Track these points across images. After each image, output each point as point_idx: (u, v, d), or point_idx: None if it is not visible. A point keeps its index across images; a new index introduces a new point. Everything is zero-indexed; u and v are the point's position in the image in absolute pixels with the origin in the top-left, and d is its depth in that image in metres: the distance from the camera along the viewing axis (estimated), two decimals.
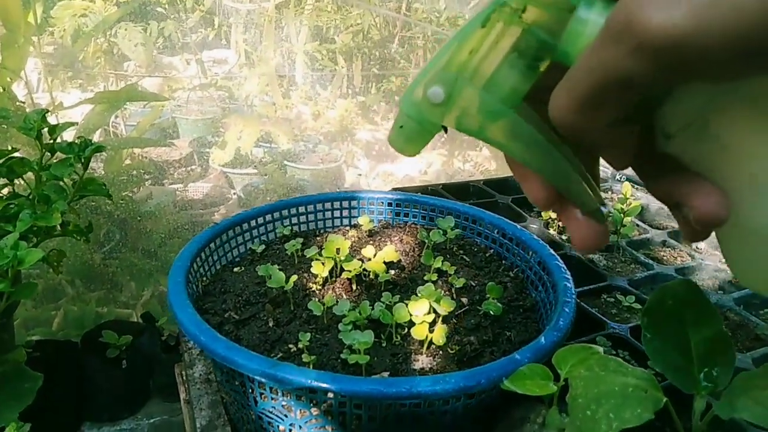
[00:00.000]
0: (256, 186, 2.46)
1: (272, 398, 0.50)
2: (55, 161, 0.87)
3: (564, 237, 0.93)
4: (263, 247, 0.72)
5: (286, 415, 0.51)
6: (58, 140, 0.85)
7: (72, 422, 0.98)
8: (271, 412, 0.51)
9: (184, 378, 0.79)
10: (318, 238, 0.76)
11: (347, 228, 0.80)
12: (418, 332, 0.53)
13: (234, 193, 2.46)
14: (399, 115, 0.29)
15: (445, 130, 0.29)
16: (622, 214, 0.89)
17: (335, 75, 3.09)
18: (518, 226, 0.73)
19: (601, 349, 0.48)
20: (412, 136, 0.28)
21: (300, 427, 0.51)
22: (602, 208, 0.29)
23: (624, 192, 0.91)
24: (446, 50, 0.27)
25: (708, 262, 0.88)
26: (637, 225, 0.99)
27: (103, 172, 1.78)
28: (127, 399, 1.01)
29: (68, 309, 1.44)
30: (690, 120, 0.24)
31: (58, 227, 0.87)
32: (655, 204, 1.08)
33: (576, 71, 0.23)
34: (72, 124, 0.88)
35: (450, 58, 0.26)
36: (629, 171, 1.05)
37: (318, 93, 3.15)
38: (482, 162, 2.57)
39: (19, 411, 0.79)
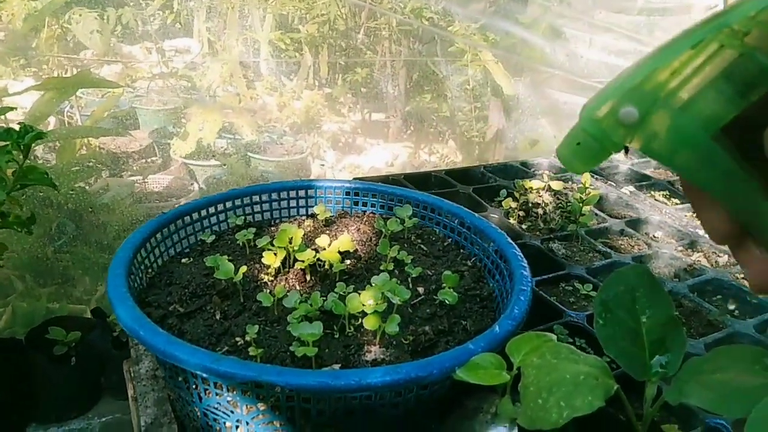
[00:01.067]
0: (219, 178, 2.40)
1: (217, 394, 0.47)
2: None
3: (524, 227, 0.93)
4: (214, 237, 0.69)
5: (232, 411, 0.48)
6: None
7: (16, 423, 0.93)
8: (216, 409, 0.49)
9: (132, 375, 0.75)
10: (272, 228, 0.74)
11: (303, 218, 0.78)
12: (371, 322, 0.52)
13: (196, 185, 2.40)
14: (576, 130, 0.27)
15: (626, 151, 0.27)
16: (581, 204, 0.90)
17: (301, 65, 3.04)
18: (477, 215, 0.72)
19: (554, 337, 0.47)
20: (588, 154, 0.26)
21: (247, 423, 0.48)
22: None
23: (583, 181, 0.92)
24: (643, 68, 0.25)
25: (664, 250, 0.89)
26: (596, 214, 0.99)
27: (55, 162, 1.70)
28: (76, 398, 0.97)
29: (17, 305, 1.37)
30: None
31: None
32: (613, 194, 1.09)
33: None
34: (11, 108, 0.83)
35: (648, 77, 0.25)
36: None
37: (283, 83, 3.10)
38: (448, 154, 2.57)
39: None
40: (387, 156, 2.67)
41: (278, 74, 3.13)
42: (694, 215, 0.25)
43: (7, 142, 0.78)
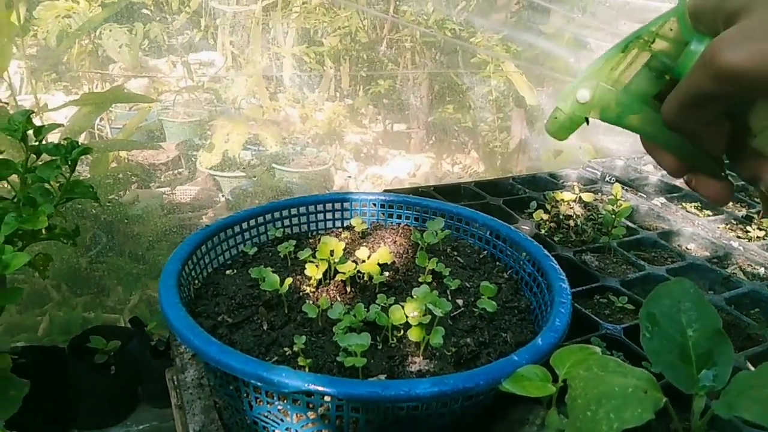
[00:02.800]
0: (244, 189, 2.44)
1: (268, 402, 0.49)
2: (40, 163, 0.86)
3: (555, 239, 0.93)
4: (255, 249, 0.71)
5: (282, 420, 0.50)
6: (43, 142, 0.84)
7: (59, 430, 0.96)
8: (266, 417, 0.50)
9: (176, 383, 0.77)
10: (311, 240, 0.75)
11: (339, 230, 0.79)
12: (415, 334, 0.53)
13: (222, 196, 2.44)
14: (555, 109, 0.40)
15: (587, 122, 0.40)
16: (613, 216, 0.90)
17: (323, 77, 3.08)
18: (512, 228, 0.73)
19: (599, 350, 0.48)
20: (563, 126, 0.39)
21: (296, 431, 0.50)
22: (723, 169, 0.37)
23: (614, 193, 0.92)
24: (592, 66, 0.38)
25: (698, 262, 0.89)
26: (628, 226, 0.99)
27: (88, 175, 1.75)
28: (115, 406, 0.99)
29: (54, 314, 1.41)
30: (766, 125, 0.33)
31: (44, 231, 0.85)
32: (644, 205, 1.08)
33: (681, 86, 0.33)
34: (58, 125, 0.86)
35: (594, 71, 0.38)
36: (618, 173, 1.03)
37: (306, 95, 3.14)
38: (470, 164, 2.58)
39: (5, 419, 0.77)
40: (409, 167, 2.69)
41: (300, 86, 3.17)
42: (654, 161, 0.40)
43: (56, 157, 0.81)
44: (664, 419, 0.53)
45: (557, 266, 0.63)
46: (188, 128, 2.94)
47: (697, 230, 1.00)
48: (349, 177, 2.61)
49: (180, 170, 2.72)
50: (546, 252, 0.67)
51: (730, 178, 0.38)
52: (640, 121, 0.37)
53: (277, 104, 3.07)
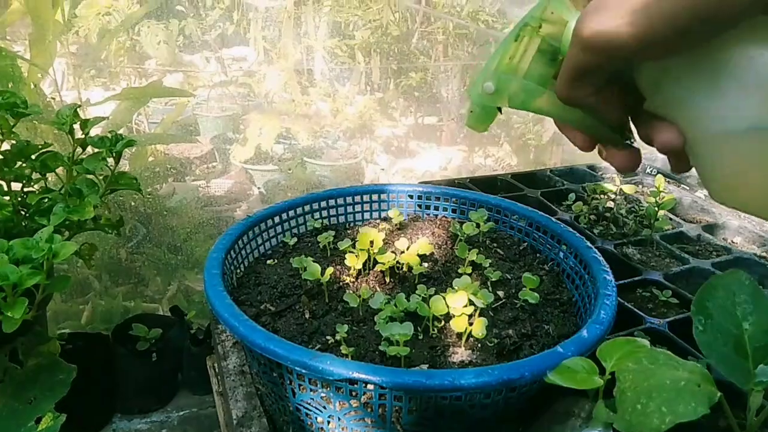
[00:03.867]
0: (277, 182, 2.46)
1: (311, 390, 0.49)
2: (85, 156, 0.88)
3: (595, 231, 0.92)
4: (295, 239, 0.72)
5: (324, 407, 0.50)
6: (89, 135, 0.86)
7: (104, 414, 0.99)
8: (309, 404, 0.51)
9: (217, 370, 0.79)
10: (348, 231, 0.76)
11: (377, 221, 0.79)
12: (458, 324, 0.53)
13: (255, 189, 2.47)
14: (469, 104, 0.41)
15: (500, 111, 0.41)
16: (655, 208, 0.88)
17: (353, 71, 3.09)
18: (552, 219, 0.72)
19: (647, 343, 0.47)
20: (480, 118, 0.41)
21: (339, 419, 0.50)
22: (629, 139, 0.39)
23: (657, 185, 0.90)
24: (492, 58, 0.39)
25: (746, 256, 0.86)
26: (670, 219, 0.97)
27: (128, 169, 1.79)
28: (157, 391, 1.02)
29: (96, 303, 1.46)
30: (652, 84, 0.34)
31: (90, 221, 0.88)
32: (687, 198, 1.05)
33: (564, 63, 0.35)
34: (103, 118, 0.88)
35: (495, 63, 0.39)
36: (660, 164, 1.01)
37: (336, 89, 3.14)
38: (503, 157, 2.54)
39: (54, 402, 0.80)
40: (440, 159, 2.67)
41: (332, 80, 3.18)
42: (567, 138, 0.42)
43: (102, 149, 0.83)
44: (713, 415, 0.52)
45: (601, 258, 0.62)
46: (222, 122, 2.98)
47: (743, 223, 0.96)
48: (382, 170, 2.61)
49: (214, 164, 2.76)
50: (588, 244, 0.65)
51: (635, 145, 0.39)
52: (545, 103, 0.39)
53: (309, 98, 3.09)
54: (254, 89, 3.08)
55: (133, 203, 1.67)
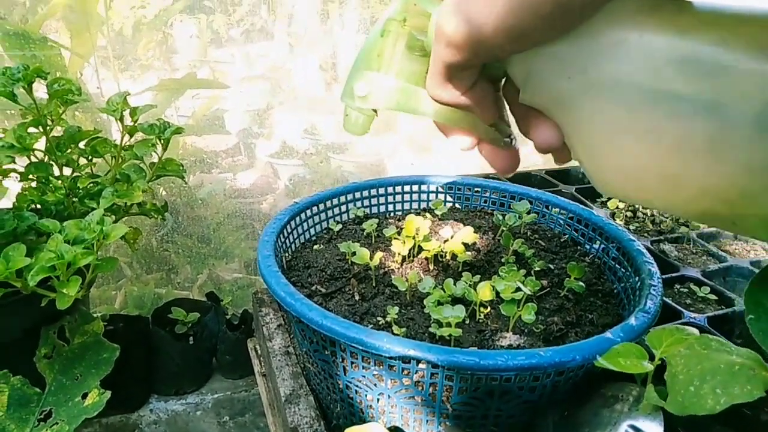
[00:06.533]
0: (302, 177, 2.49)
1: (363, 367, 0.51)
2: (133, 142, 0.91)
3: (631, 227, 0.92)
4: (340, 226, 0.74)
5: (375, 384, 0.52)
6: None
7: (142, 394, 1.02)
8: (360, 382, 0.53)
9: (259, 352, 0.81)
10: (391, 220, 0.77)
11: (417, 211, 0.81)
12: (507, 309, 0.54)
13: (281, 183, 2.50)
14: (344, 108, 0.39)
15: (376, 112, 0.39)
16: None
17: None
18: (594, 212, 0.72)
19: (696, 331, 0.48)
20: (356, 122, 0.39)
21: (389, 396, 0.52)
22: (509, 139, 0.38)
23: None
24: (360, 55, 0.36)
25: None
26: None
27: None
28: (193, 374, 1.05)
29: (129, 289, 1.49)
30: (525, 77, 0.32)
31: (136, 206, 0.91)
32: None
33: (431, 60, 0.32)
34: (152, 106, 0.91)
35: (364, 61, 0.36)
36: None
37: None
38: (530, 154, 2.54)
39: (99, 379, 0.82)
40: (463, 156, 2.68)
41: None
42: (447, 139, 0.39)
43: (151, 136, 0.86)
44: (755, 411, 0.52)
45: (644, 250, 0.63)
46: (248, 117, 3.01)
47: None
48: (411, 164, 2.63)
49: (240, 157, 2.80)
50: (631, 236, 0.66)
51: (515, 144, 0.37)
52: (420, 102, 0.36)
53: (332, 94, 3.11)
54: (280, 84, 3.11)
55: (164, 192, 1.70)
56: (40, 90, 0.83)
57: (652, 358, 0.47)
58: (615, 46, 0.28)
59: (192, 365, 1.03)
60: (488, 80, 0.34)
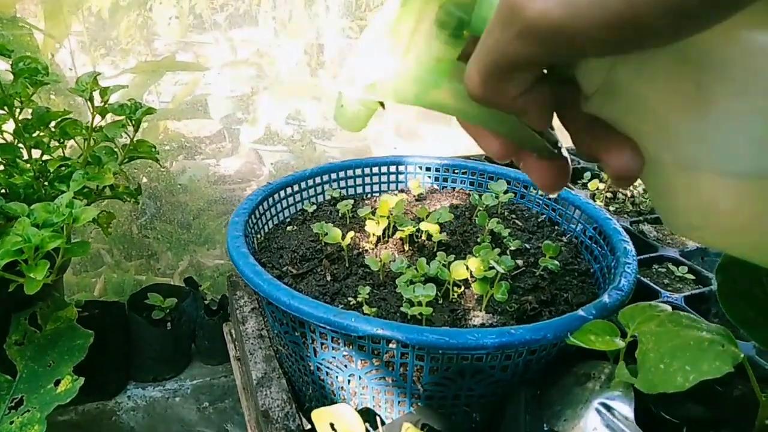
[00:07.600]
0: (287, 162, 2.47)
1: (333, 348, 0.50)
2: (104, 124, 0.88)
3: (611, 208, 0.92)
4: (314, 207, 0.72)
5: (345, 365, 0.51)
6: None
7: (120, 381, 1.00)
8: (330, 363, 0.52)
9: (234, 336, 0.80)
10: (367, 201, 0.76)
11: (395, 192, 0.80)
12: (479, 288, 0.53)
13: (265, 169, 2.48)
14: (341, 96, 0.30)
15: (383, 106, 0.30)
16: None
17: None
18: (571, 191, 0.72)
19: (668, 308, 0.47)
20: (354, 115, 0.30)
21: (360, 377, 0.51)
22: (557, 146, 0.28)
23: None
24: (371, 32, 0.28)
25: None
26: None
27: None
28: (171, 360, 1.03)
29: (109, 276, 1.47)
30: (599, 81, 0.25)
31: (108, 189, 0.88)
32: None
33: (479, 48, 0.24)
34: (123, 86, 0.89)
35: (375, 39, 0.28)
36: None
37: None
38: None
39: (72, 365, 0.81)
40: (452, 142, 2.67)
41: (342, 62, 3.17)
42: (476, 143, 0.28)
43: (122, 116, 0.84)
44: (727, 386, 0.52)
45: (620, 228, 0.62)
46: (231, 103, 2.98)
47: None
48: (395, 148, 2.61)
49: (223, 144, 2.77)
50: (608, 215, 0.65)
51: (564, 153, 0.28)
52: (445, 97, 0.27)
53: (318, 80, 3.08)
54: (264, 70, 3.08)
55: (145, 179, 1.68)
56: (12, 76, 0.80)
57: (624, 335, 0.47)
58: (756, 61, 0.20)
59: (170, 351, 1.02)
60: (547, 79, 0.26)
